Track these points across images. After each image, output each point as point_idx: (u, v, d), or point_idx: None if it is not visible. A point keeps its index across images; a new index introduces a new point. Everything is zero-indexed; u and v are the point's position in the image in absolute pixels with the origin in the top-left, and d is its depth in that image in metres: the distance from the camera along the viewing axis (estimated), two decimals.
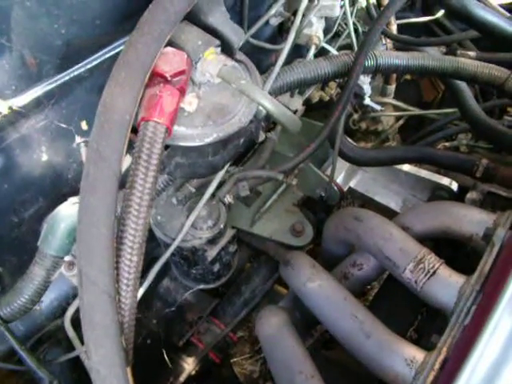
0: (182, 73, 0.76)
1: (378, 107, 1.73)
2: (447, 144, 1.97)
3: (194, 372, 1.46)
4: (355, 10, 1.53)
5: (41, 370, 0.86)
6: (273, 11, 1.29)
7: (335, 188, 1.63)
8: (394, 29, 1.71)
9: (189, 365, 1.46)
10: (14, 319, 0.86)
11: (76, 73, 0.86)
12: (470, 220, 1.11)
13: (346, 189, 1.72)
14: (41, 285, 0.85)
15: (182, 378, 1.44)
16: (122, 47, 0.83)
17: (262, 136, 1.03)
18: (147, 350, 1.42)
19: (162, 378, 1.42)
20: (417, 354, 0.91)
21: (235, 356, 1.84)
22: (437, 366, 0.84)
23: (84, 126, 0.92)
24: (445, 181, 1.59)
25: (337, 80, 1.59)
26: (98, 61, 0.88)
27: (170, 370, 1.44)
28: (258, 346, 1.73)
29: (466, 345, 0.74)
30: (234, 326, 1.52)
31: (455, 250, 1.16)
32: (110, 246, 0.62)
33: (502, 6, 1.41)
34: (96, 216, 0.62)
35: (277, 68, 0.99)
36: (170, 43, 0.77)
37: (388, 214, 1.53)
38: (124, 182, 0.69)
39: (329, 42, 1.51)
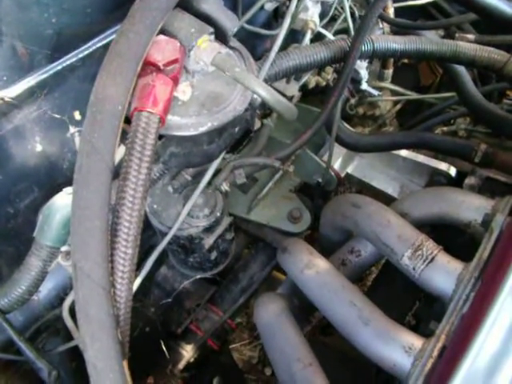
0: (175, 61, 0.74)
1: (375, 92, 1.71)
2: (445, 129, 1.96)
3: (192, 359, 1.47)
4: None
5: (39, 359, 0.86)
6: None
7: (332, 174, 1.62)
8: (391, 12, 1.69)
9: (187, 352, 1.46)
10: (11, 310, 0.86)
11: (68, 62, 0.85)
12: (469, 206, 1.11)
13: (343, 175, 1.72)
14: (38, 275, 0.85)
15: (181, 365, 1.45)
16: (114, 36, 0.82)
17: (257, 124, 1.02)
18: (146, 338, 1.43)
19: (161, 366, 1.43)
20: (415, 341, 0.91)
21: (234, 342, 1.86)
22: (435, 354, 0.84)
23: (77, 115, 0.91)
24: (443, 166, 1.59)
25: (333, 65, 1.57)
26: (91, 50, 0.87)
27: (169, 357, 1.45)
28: (257, 332, 1.74)
29: (465, 333, 0.74)
30: (233, 312, 1.52)
31: (453, 237, 1.16)
32: (105, 239, 0.62)
33: None
34: (89, 209, 0.62)
35: (272, 54, 0.98)
36: (163, 31, 0.76)
37: (385, 199, 1.52)
38: (118, 172, 0.68)
39: (325, 26, 1.48)
